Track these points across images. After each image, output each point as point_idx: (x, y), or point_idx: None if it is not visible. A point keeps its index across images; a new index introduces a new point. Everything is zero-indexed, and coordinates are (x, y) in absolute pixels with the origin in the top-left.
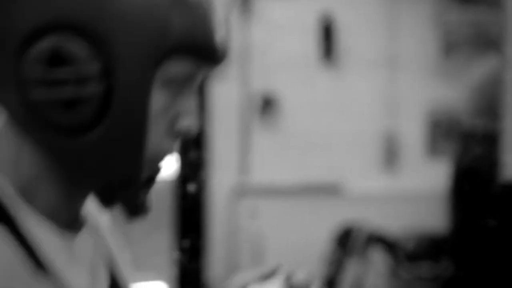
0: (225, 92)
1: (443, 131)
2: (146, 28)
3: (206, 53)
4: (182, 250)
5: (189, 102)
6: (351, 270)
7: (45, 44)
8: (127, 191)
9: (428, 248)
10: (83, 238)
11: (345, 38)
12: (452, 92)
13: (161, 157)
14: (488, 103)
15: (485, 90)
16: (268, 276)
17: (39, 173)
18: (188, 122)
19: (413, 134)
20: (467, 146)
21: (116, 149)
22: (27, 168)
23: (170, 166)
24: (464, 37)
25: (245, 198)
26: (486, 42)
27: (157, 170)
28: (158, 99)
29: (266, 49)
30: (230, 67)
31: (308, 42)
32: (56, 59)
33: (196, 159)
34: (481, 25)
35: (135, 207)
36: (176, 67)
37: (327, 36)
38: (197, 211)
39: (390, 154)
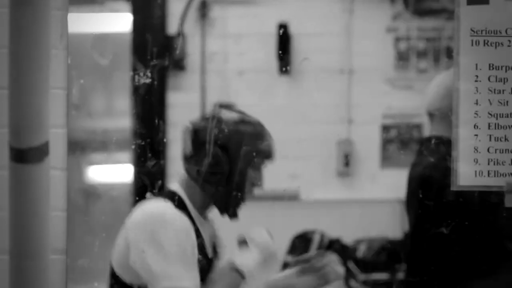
0: (183, 102)
1: (398, 139)
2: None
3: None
4: None
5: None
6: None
7: None
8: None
9: (383, 255)
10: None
11: (301, 46)
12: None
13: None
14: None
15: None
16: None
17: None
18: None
19: (368, 141)
20: (422, 153)
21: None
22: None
23: (128, 175)
24: (417, 48)
25: None
26: (439, 53)
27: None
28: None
29: (223, 58)
30: (188, 77)
31: (264, 51)
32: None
33: (154, 168)
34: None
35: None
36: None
37: (284, 44)
38: None
39: (346, 161)
